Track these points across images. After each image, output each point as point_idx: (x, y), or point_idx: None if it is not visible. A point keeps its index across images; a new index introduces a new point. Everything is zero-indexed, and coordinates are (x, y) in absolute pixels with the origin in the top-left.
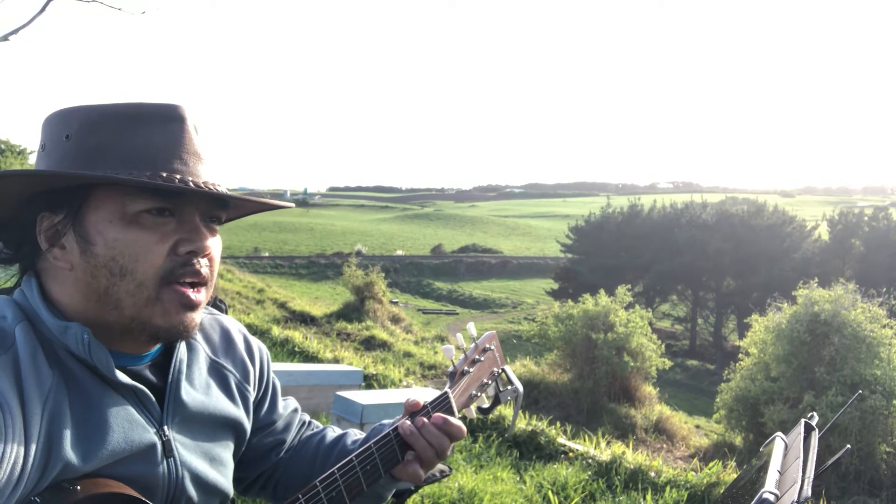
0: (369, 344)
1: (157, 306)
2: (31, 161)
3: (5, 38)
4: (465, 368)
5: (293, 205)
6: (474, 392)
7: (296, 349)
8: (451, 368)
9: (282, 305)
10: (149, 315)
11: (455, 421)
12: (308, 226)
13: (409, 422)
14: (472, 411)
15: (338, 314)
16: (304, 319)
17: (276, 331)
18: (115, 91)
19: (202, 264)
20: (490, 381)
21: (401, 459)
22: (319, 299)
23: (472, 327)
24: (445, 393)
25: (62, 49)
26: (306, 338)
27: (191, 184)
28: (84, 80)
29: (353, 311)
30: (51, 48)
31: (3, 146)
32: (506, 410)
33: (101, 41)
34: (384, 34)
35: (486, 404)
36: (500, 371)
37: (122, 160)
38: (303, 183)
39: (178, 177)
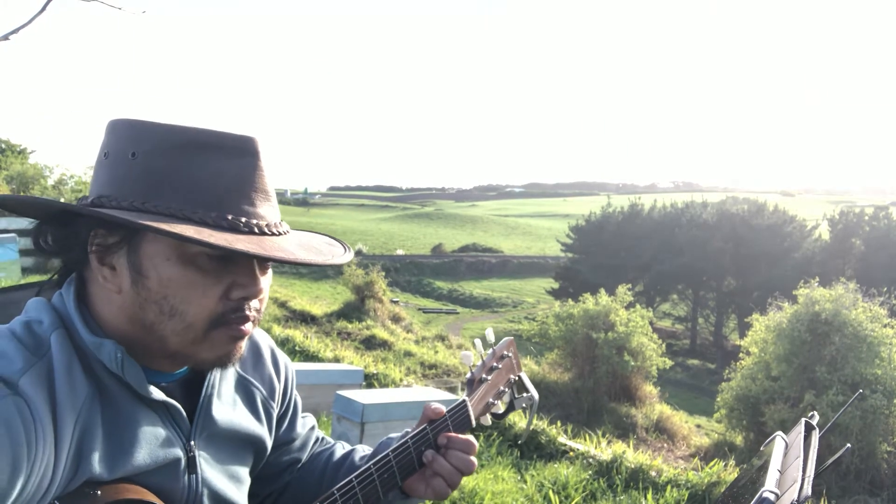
0: (370, 343)
1: (204, 344)
2: (33, 160)
3: (5, 37)
4: (483, 376)
5: (343, 261)
6: (491, 400)
7: (296, 348)
8: (468, 375)
9: (282, 304)
10: (195, 351)
11: (471, 440)
12: (308, 225)
13: (432, 449)
14: (488, 418)
15: (338, 313)
16: (305, 318)
17: (277, 330)
18: (115, 91)
19: (252, 307)
20: (506, 389)
21: (417, 467)
22: (320, 298)
23: (490, 333)
24: (464, 401)
25: (62, 49)
26: (307, 337)
27: (255, 231)
28: (84, 81)
29: (354, 311)
30: (51, 48)
31: (3, 146)
32: (514, 416)
33: (101, 41)
34: (385, 34)
35: (501, 410)
36: (517, 378)
37: (188, 195)
38: (303, 182)
39: (244, 219)
